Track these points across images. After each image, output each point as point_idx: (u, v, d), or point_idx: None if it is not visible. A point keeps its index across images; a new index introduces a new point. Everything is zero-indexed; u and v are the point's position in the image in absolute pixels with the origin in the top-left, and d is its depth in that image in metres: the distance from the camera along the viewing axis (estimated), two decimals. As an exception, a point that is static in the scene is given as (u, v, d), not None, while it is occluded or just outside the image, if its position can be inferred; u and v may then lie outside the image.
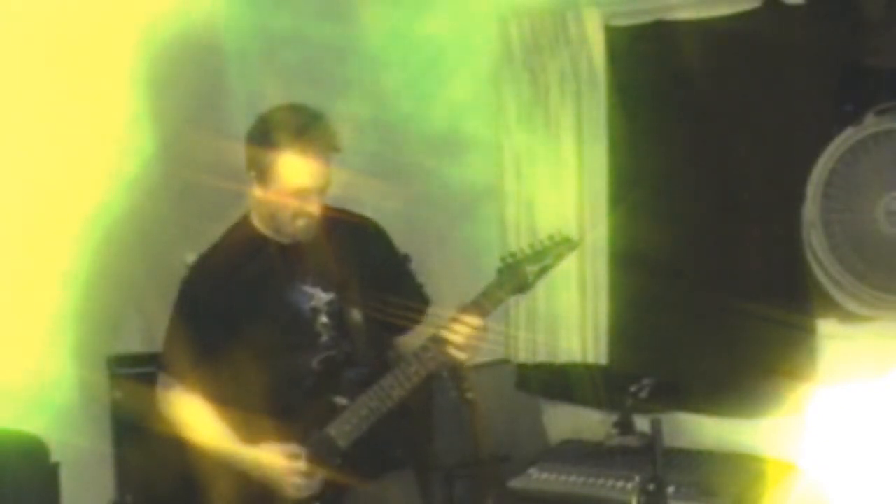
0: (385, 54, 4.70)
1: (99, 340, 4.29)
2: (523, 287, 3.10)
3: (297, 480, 2.95)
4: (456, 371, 3.02)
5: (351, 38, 4.76)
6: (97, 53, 4.10)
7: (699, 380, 4.11)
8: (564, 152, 4.33)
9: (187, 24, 4.33)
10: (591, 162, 4.28)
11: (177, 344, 3.07)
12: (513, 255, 3.10)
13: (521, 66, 4.40)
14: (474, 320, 2.97)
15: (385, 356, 3.14)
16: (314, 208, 2.97)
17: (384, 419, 3.00)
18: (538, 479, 3.93)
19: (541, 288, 3.78)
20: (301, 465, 2.95)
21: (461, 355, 2.97)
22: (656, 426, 3.18)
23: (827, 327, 3.90)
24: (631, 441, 3.68)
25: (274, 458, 2.95)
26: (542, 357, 4.42)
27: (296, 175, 2.92)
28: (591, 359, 4.32)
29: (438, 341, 2.96)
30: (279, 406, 3.00)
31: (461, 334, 2.95)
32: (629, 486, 3.65)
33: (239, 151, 3.04)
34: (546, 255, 3.11)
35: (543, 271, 3.11)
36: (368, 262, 3.10)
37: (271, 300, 3.05)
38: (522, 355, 4.46)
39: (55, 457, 3.81)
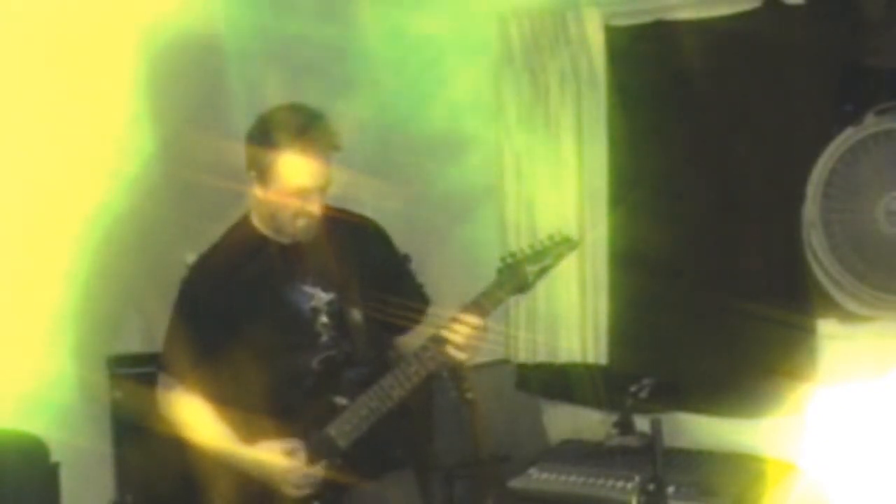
0: (385, 54, 4.70)
1: (99, 340, 4.29)
2: (523, 287, 3.10)
3: (297, 479, 2.95)
4: (456, 371, 3.02)
5: (351, 38, 4.76)
6: (97, 53, 4.10)
7: (699, 380, 4.11)
8: (564, 152, 4.33)
9: (187, 24, 4.33)
10: (591, 162, 4.29)
11: (177, 344, 3.07)
12: (513, 255, 3.10)
13: (521, 66, 4.40)
14: (474, 320, 2.97)
15: (385, 356, 3.14)
16: (315, 208, 2.97)
17: (384, 419, 3.00)
18: (538, 479, 3.93)
19: (541, 288, 3.78)
20: (300, 461, 2.95)
21: (461, 355, 2.96)
22: (656, 426, 3.17)
23: (827, 327, 3.91)
24: (631, 441, 3.69)
25: (274, 457, 2.95)
26: (542, 357, 4.42)
27: (296, 175, 2.92)
28: (591, 359, 4.32)
29: (438, 341, 2.96)
30: (279, 406, 3.00)
31: (461, 334, 2.95)
32: (629, 486, 3.65)
33: (239, 151, 3.04)
34: (546, 255, 3.11)
35: (543, 271, 3.11)
36: (368, 262, 3.10)
37: (271, 300, 3.05)
38: (522, 355, 4.46)
39: (55, 457, 3.81)
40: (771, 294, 3.95)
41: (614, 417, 3.78)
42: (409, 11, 4.53)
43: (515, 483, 3.92)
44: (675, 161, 4.16)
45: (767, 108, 3.96)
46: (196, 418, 3.05)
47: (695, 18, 4.07)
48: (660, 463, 3.14)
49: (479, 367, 3.58)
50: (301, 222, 2.98)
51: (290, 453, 2.95)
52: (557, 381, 4.40)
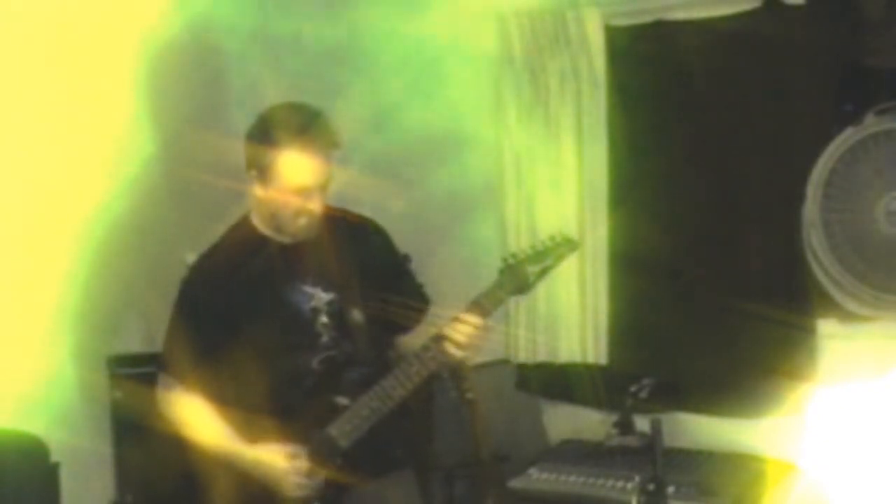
0: (385, 54, 4.69)
1: (99, 340, 4.29)
2: (524, 288, 3.10)
3: (298, 480, 2.95)
4: (456, 371, 3.02)
5: (351, 38, 4.76)
6: (98, 54, 4.10)
7: (699, 380, 4.11)
8: (564, 152, 4.33)
9: (187, 24, 4.33)
10: (591, 162, 4.29)
11: (177, 344, 3.07)
12: (514, 255, 3.11)
13: (521, 66, 4.40)
14: (476, 319, 2.97)
15: (385, 356, 3.14)
16: (315, 206, 2.97)
17: (385, 419, 3.00)
18: (538, 479, 3.93)
19: (541, 288, 3.77)
20: (302, 465, 2.95)
21: (462, 353, 2.96)
22: (656, 426, 3.18)
23: (827, 327, 3.91)
24: (631, 441, 3.69)
25: (275, 458, 2.95)
26: (542, 357, 4.42)
27: (297, 173, 2.92)
28: (591, 359, 4.32)
29: (439, 340, 2.96)
30: (280, 406, 3.00)
31: (463, 333, 2.95)
32: (629, 486, 3.65)
33: (239, 151, 3.04)
34: (547, 255, 3.11)
35: (544, 272, 3.11)
36: (369, 262, 3.10)
37: (271, 300, 3.04)
38: (522, 355, 4.46)
39: (55, 457, 3.81)
40: (771, 294, 3.95)
41: (614, 417, 3.78)
42: (408, 12, 4.52)
43: (515, 483, 3.92)
44: (675, 161, 4.16)
45: (767, 109, 3.96)
46: (196, 418, 3.05)
47: (695, 18, 4.07)
48: (660, 463, 3.14)
49: (479, 367, 3.58)
50: (302, 221, 2.98)
51: (291, 457, 2.95)
52: (557, 381, 4.40)
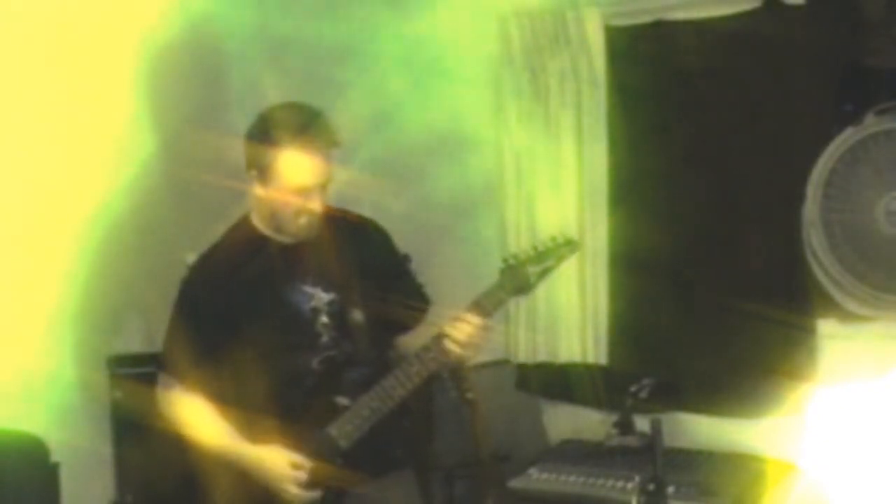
0: (385, 54, 4.69)
1: (99, 340, 4.29)
2: (524, 288, 3.09)
3: (297, 489, 2.95)
4: (456, 371, 3.02)
5: (351, 38, 4.76)
6: (98, 53, 4.09)
7: (699, 380, 4.11)
8: (564, 152, 4.33)
9: (187, 24, 4.32)
10: (591, 162, 4.29)
11: (177, 344, 3.07)
12: (515, 256, 3.10)
13: (521, 66, 4.40)
14: (476, 319, 2.97)
15: (386, 356, 3.14)
16: (316, 205, 2.97)
17: (385, 419, 3.00)
18: (538, 479, 3.93)
19: (541, 288, 3.77)
20: (304, 474, 2.95)
21: (462, 354, 2.96)
22: (656, 426, 3.17)
23: (827, 327, 3.91)
24: (631, 441, 3.68)
25: (276, 458, 2.95)
26: (542, 357, 4.42)
27: (297, 172, 2.93)
28: (591, 359, 4.32)
29: (440, 340, 2.96)
30: (280, 406, 2.99)
31: (463, 333, 2.95)
32: (629, 486, 3.65)
33: (239, 151, 3.04)
34: (548, 256, 3.11)
35: (545, 273, 3.11)
36: (369, 262, 3.10)
37: (271, 300, 3.04)
38: (522, 355, 4.46)
39: (55, 457, 3.81)
40: (771, 294, 3.95)
41: (614, 417, 3.76)
42: (409, 12, 4.52)
43: (515, 483, 3.92)
44: (675, 161, 4.16)
45: (767, 109, 3.96)
46: (196, 417, 3.05)
47: (695, 18, 4.07)
48: (660, 463, 3.14)
49: (479, 367, 3.58)
50: (302, 220, 2.98)
51: (293, 465, 2.94)
52: (557, 381, 4.40)
